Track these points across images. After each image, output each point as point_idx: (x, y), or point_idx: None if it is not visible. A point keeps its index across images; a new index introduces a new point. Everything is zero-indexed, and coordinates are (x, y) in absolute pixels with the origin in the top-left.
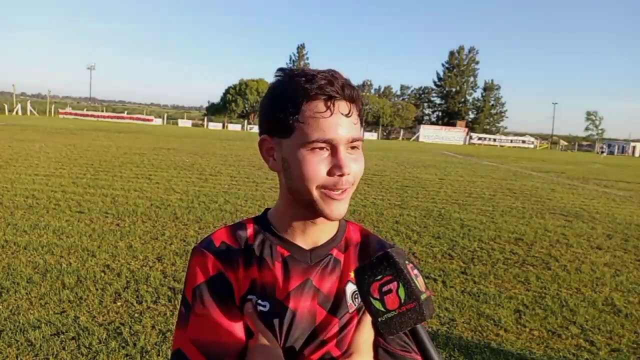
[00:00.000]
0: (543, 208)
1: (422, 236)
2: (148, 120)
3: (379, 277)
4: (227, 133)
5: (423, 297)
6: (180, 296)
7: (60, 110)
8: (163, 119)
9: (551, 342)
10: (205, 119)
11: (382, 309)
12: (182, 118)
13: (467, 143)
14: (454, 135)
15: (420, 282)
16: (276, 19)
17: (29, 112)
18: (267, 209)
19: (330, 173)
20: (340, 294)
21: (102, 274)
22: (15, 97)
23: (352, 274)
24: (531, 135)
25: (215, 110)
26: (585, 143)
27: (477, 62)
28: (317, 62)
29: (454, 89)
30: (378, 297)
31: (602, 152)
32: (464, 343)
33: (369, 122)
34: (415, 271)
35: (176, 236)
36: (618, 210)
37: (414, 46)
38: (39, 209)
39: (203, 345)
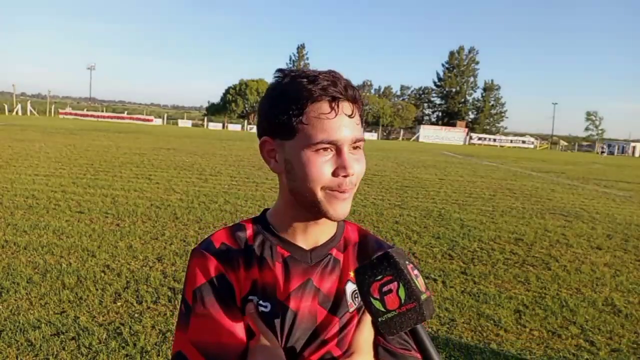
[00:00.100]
0: (543, 208)
1: (422, 236)
2: (148, 120)
3: (379, 277)
4: (227, 133)
5: (423, 297)
6: (180, 296)
7: (60, 111)
8: (163, 119)
9: (551, 342)
10: (205, 119)
11: (382, 309)
12: (182, 118)
13: (467, 143)
14: (454, 136)
15: (420, 283)
16: (276, 19)
17: (29, 112)
18: (266, 210)
19: (334, 174)
20: (340, 294)
21: (102, 274)
22: (15, 97)
23: (351, 274)
24: (531, 135)
25: (215, 111)
26: (585, 143)
27: (477, 62)
28: (317, 62)
29: (454, 89)
30: (378, 297)
31: (603, 152)
32: (464, 343)
33: (369, 122)
34: (416, 271)
35: (176, 236)
36: (618, 210)
37: (414, 46)
38: (39, 209)
39: (204, 347)
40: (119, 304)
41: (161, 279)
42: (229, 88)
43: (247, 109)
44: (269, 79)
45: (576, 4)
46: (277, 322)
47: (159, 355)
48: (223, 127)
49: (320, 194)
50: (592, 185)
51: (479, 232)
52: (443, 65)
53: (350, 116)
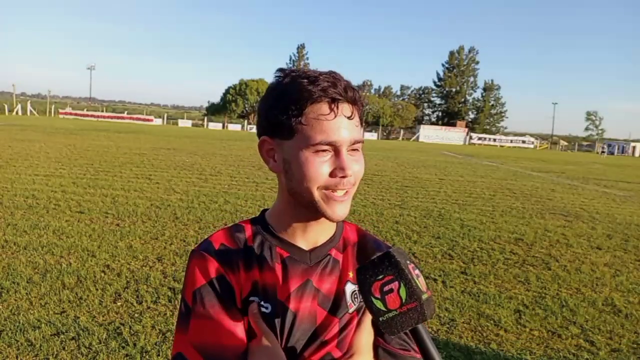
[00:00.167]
0: (543, 208)
1: (422, 236)
2: (148, 120)
3: (380, 276)
4: (227, 133)
5: (424, 297)
6: (180, 296)
7: (60, 110)
8: (163, 119)
9: (551, 342)
10: (205, 119)
11: (384, 309)
12: (182, 118)
13: (467, 143)
14: (454, 136)
15: (421, 282)
16: (276, 19)
17: (29, 112)
18: (265, 210)
19: (332, 174)
20: (339, 294)
21: (102, 274)
22: (15, 97)
23: (351, 274)
24: (531, 135)
25: (215, 110)
26: (585, 143)
27: (477, 62)
28: (317, 62)
29: (454, 89)
30: (379, 296)
31: (603, 152)
32: (464, 343)
33: (369, 122)
34: (417, 271)
35: (176, 236)
36: (618, 210)
37: (414, 46)
38: (39, 209)
39: (204, 348)
40: (119, 304)
41: (161, 279)
42: (229, 88)
43: (247, 109)
44: (269, 79)
45: (576, 4)
46: (278, 323)
47: (159, 355)
48: (223, 127)
49: (317, 194)
50: (592, 185)
51: (479, 232)
52: (443, 65)
53: (349, 118)
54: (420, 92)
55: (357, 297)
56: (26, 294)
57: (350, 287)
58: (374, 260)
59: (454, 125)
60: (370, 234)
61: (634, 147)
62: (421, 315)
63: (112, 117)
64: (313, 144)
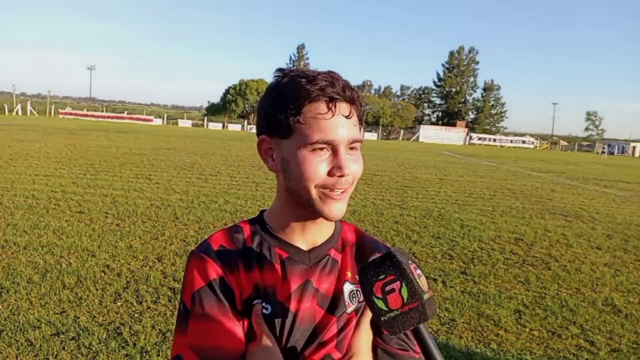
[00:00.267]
0: (543, 208)
1: (422, 236)
2: (148, 120)
3: (382, 276)
4: (227, 133)
5: (426, 296)
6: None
7: (60, 111)
8: (163, 119)
9: (551, 342)
10: (205, 119)
11: (385, 308)
12: (182, 118)
13: (467, 143)
14: (454, 136)
15: (423, 282)
16: (276, 19)
17: (29, 112)
18: (263, 211)
19: (330, 174)
20: (338, 294)
21: (102, 274)
22: (15, 97)
23: (349, 274)
24: (531, 135)
25: (215, 111)
26: (585, 143)
27: (477, 62)
28: (317, 62)
29: (454, 89)
30: (381, 296)
31: (603, 153)
32: (464, 343)
33: (369, 122)
34: (418, 271)
35: (176, 236)
36: (618, 210)
37: (414, 46)
38: (39, 209)
39: (203, 350)
40: (119, 304)
41: (161, 279)
42: (229, 88)
43: (247, 109)
44: (269, 79)
45: (576, 4)
46: (278, 323)
47: (159, 355)
48: (223, 127)
49: (314, 193)
50: (592, 185)
51: (479, 232)
52: (443, 65)
53: (347, 117)
54: (420, 92)
55: (355, 297)
56: (26, 294)
57: (348, 287)
58: (375, 260)
59: (454, 125)
60: (368, 235)
61: (634, 147)
62: (423, 315)
63: (112, 117)
64: (311, 142)
